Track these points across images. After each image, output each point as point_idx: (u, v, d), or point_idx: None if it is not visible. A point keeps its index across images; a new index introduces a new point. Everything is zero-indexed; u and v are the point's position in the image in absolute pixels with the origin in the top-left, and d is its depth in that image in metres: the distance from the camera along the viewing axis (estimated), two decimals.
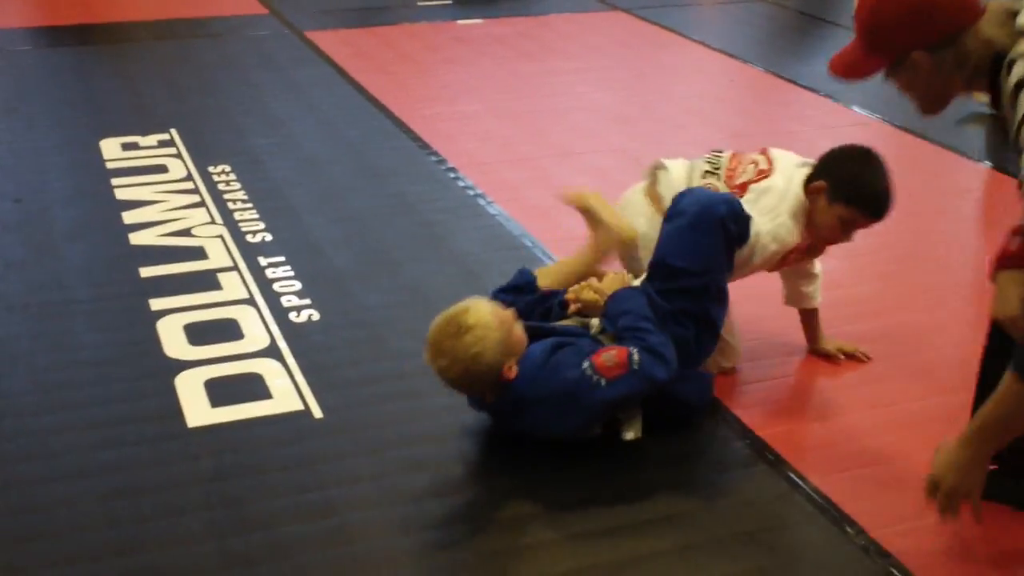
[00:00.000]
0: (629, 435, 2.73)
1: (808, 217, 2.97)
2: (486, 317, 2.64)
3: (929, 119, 2.61)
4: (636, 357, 2.62)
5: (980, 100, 2.38)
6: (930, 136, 5.13)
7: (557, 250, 3.86)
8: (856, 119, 5.45)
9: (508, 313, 2.71)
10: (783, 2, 7.87)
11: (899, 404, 3.04)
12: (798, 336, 3.29)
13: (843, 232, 2.98)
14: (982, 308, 3.52)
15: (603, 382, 2.60)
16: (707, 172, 3.09)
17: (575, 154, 4.91)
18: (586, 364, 2.62)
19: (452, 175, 4.60)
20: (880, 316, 3.52)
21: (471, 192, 4.41)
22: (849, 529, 2.52)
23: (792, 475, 2.70)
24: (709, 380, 2.93)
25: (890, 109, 5.53)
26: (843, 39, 7.15)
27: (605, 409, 2.67)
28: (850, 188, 2.91)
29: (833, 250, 3.77)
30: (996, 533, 2.52)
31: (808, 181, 2.96)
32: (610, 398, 2.62)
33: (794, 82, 5.99)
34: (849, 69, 2.31)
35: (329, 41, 6.60)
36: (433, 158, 4.79)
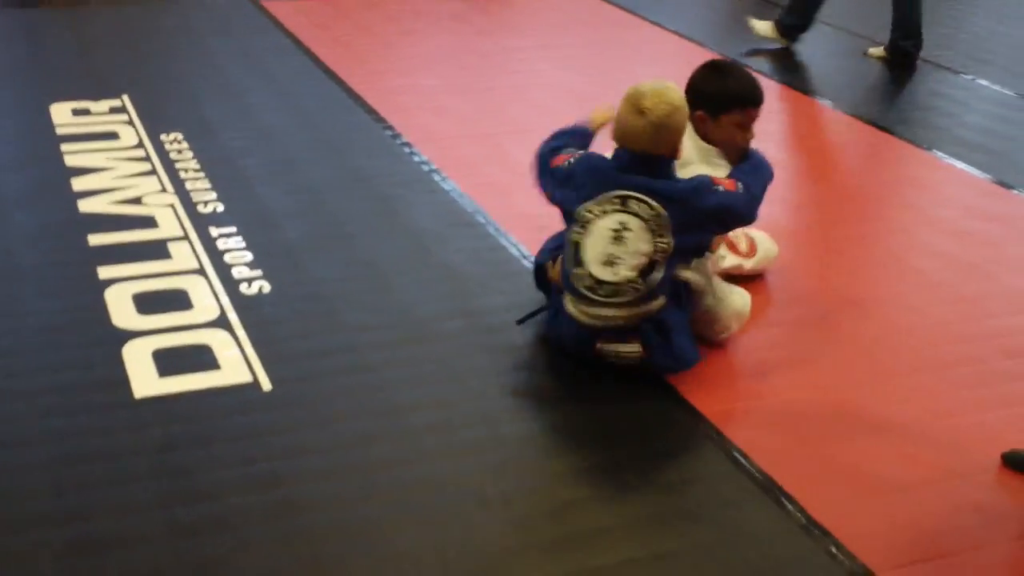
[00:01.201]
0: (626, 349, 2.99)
1: (713, 143, 3.30)
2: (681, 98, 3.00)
3: None
4: (741, 187, 3.03)
5: None
6: (878, 123, 5.18)
7: (511, 227, 3.87)
8: (805, 104, 5.49)
9: None
10: None
11: (841, 391, 3.08)
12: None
13: (742, 134, 3.29)
14: (926, 295, 3.61)
15: (720, 189, 2.98)
16: None
17: (532, 131, 4.85)
18: (707, 178, 3.01)
19: (407, 150, 4.58)
20: (826, 303, 3.56)
21: (426, 167, 4.40)
22: (790, 507, 2.56)
23: (736, 454, 2.74)
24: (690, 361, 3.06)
25: (840, 96, 5.59)
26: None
27: (714, 212, 2.97)
28: (719, 98, 3.28)
29: (779, 237, 3.81)
30: (941, 515, 2.57)
31: (690, 119, 3.18)
32: (720, 203, 2.97)
33: (750, 67, 6.01)
34: None
35: (286, 11, 6.54)
36: (389, 132, 4.77)
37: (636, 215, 2.91)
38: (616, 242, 2.91)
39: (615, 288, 2.92)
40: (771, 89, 5.69)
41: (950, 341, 3.33)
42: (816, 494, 2.61)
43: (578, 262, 2.95)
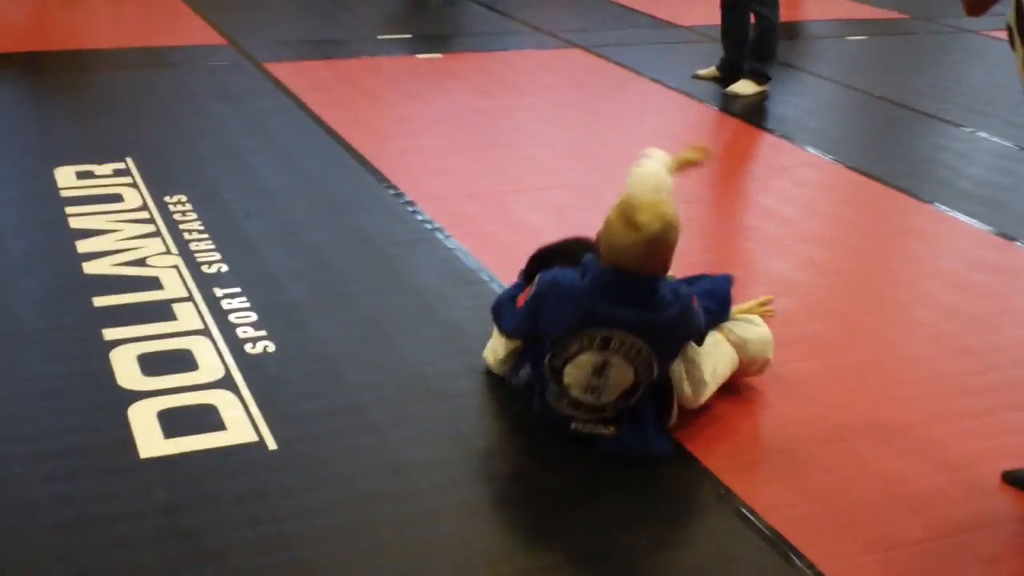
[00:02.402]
0: None
1: None
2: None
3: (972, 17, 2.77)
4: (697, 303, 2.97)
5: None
6: (880, 176, 5.22)
7: None
8: (809, 159, 5.53)
9: None
10: None
11: (849, 441, 3.06)
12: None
13: None
14: (929, 346, 3.61)
15: (697, 309, 2.94)
16: None
17: (533, 190, 4.94)
18: (688, 298, 2.91)
19: (410, 208, 4.60)
20: (831, 354, 3.56)
21: (429, 226, 4.42)
22: (798, 562, 2.54)
23: (743, 509, 2.72)
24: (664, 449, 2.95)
25: (841, 150, 5.63)
26: (794, 79, 7.31)
27: (694, 334, 2.98)
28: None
29: (785, 289, 3.83)
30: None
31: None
32: (698, 326, 2.96)
33: (748, 122, 6.07)
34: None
35: (288, 73, 6.60)
36: (391, 191, 4.80)
37: (619, 353, 2.83)
38: (597, 375, 2.86)
39: (597, 406, 2.90)
40: (770, 142, 5.75)
41: (956, 394, 3.32)
42: (823, 547, 2.58)
43: (559, 386, 2.91)
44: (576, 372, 2.86)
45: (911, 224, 4.82)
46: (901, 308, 3.97)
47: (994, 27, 8.72)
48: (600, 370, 2.84)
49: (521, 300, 2.98)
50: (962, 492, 2.85)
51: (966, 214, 4.79)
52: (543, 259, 3.12)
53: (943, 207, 4.89)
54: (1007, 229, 4.63)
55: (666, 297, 2.83)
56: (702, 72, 6.78)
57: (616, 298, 2.79)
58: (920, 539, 2.65)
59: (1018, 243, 4.50)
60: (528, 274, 3.09)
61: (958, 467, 2.96)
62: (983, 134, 5.97)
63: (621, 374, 2.84)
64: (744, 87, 6.47)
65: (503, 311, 3.13)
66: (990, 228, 4.65)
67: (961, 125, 6.13)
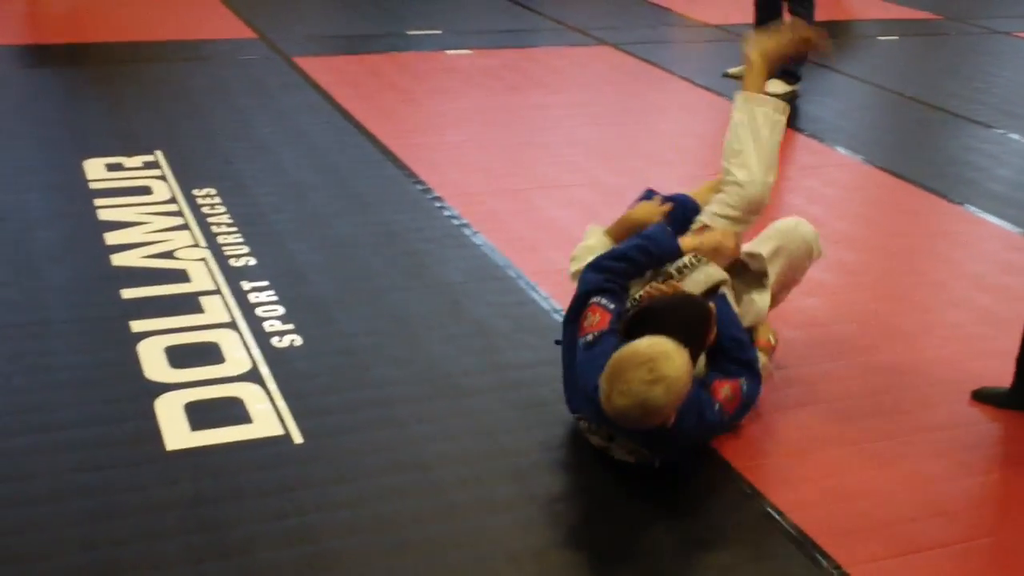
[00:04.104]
0: None
1: None
2: (682, 370, 2.56)
3: None
4: (745, 389, 2.87)
5: None
6: (910, 177, 5.18)
7: (541, 281, 3.87)
8: (839, 160, 5.50)
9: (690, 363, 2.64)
10: None
11: (876, 442, 3.04)
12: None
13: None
14: (959, 348, 3.58)
15: (727, 418, 2.84)
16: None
17: (561, 187, 4.92)
18: (717, 407, 2.78)
19: (437, 205, 4.60)
20: (859, 354, 3.54)
21: (456, 222, 4.42)
22: (824, 563, 2.52)
23: (770, 509, 2.70)
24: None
25: (872, 150, 5.59)
26: (825, 79, 7.27)
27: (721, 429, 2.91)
28: None
29: (813, 289, 3.80)
30: None
31: None
32: (729, 423, 2.90)
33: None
34: None
35: (317, 67, 6.62)
36: (419, 187, 4.80)
37: (623, 447, 2.82)
38: (608, 441, 2.87)
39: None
40: (801, 142, 5.72)
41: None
42: (849, 549, 2.57)
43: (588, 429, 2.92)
44: (589, 435, 2.91)
45: (941, 225, 4.78)
46: (930, 310, 3.93)
47: None
48: (609, 440, 2.87)
49: (589, 327, 2.84)
50: (990, 495, 2.82)
51: (997, 215, 4.74)
52: (643, 319, 2.81)
53: (973, 208, 4.85)
54: None
55: (684, 423, 2.67)
56: (733, 70, 6.72)
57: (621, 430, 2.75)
58: (947, 541, 2.62)
59: None
60: (629, 331, 2.78)
61: (986, 470, 2.93)
62: (1015, 136, 5.91)
63: (625, 452, 2.85)
64: (774, 86, 6.43)
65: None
66: (1021, 230, 4.60)
67: (992, 127, 6.07)
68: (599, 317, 2.82)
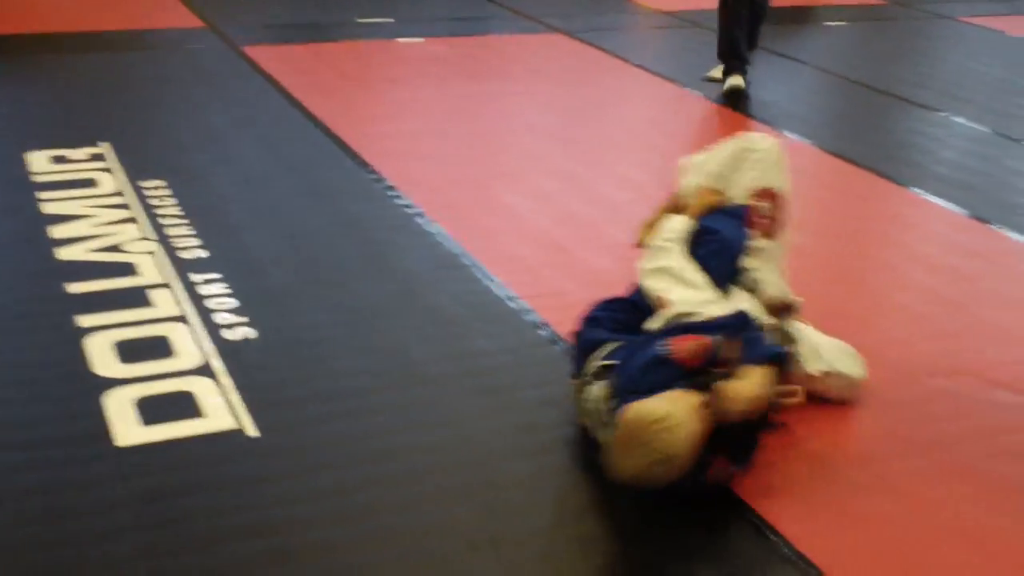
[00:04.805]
0: None
1: None
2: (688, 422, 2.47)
3: None
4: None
5: None
6: (859, 161, 5.20)
7: (498, 270, 3.83)
8: (790, 144, 5.50)
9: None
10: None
11: (824, 420, 3.03)
12: None
13: None
14: (909, 329, 3.59)
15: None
16: None
17: (518, 175, 4.89)
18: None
19: (393, 194, 4.55)
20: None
21: (412, 211, 4.37)
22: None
23: (758, 522, 2.69)
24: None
25: (821, 135, 5.61)
26: (775, 65, 7.28)
27: None
28: None
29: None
30: None
31: None
32: None
33: (732, 108, 6.04)
34: None
35: (268, 57, 6.52)
36: (374, 177, 4.74)
37: None
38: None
39: None
40: (751, 128, 5.71)
41: (937, 374, 3.30)
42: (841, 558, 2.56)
43: None
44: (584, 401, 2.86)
45: (889, 208, 4.80)
46: (879, 292, 3.95)
47: (970, 14, 8.74)
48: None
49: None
50: (936, 470, 2.82)
51: (943, 198, 4.78)
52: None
53: (920, 191, 4.88)
54: (982, 213, 4.62)
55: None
56: (712, 73, 6.51)
57: None
58: (893, 515, 2.62)
59: (993, 226, 4.49)
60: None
61: (932, 447, 2.94)
62: (960, 119, 5.96)
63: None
64: (719, 72, 6.42)
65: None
66: (966, 212, 4.64)
67: (938, 110, 6.11)
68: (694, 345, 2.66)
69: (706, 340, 2.64)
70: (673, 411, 2.45)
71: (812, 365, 3.03)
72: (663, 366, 2.62)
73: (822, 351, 3.08)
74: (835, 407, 3.07)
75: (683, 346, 2.65)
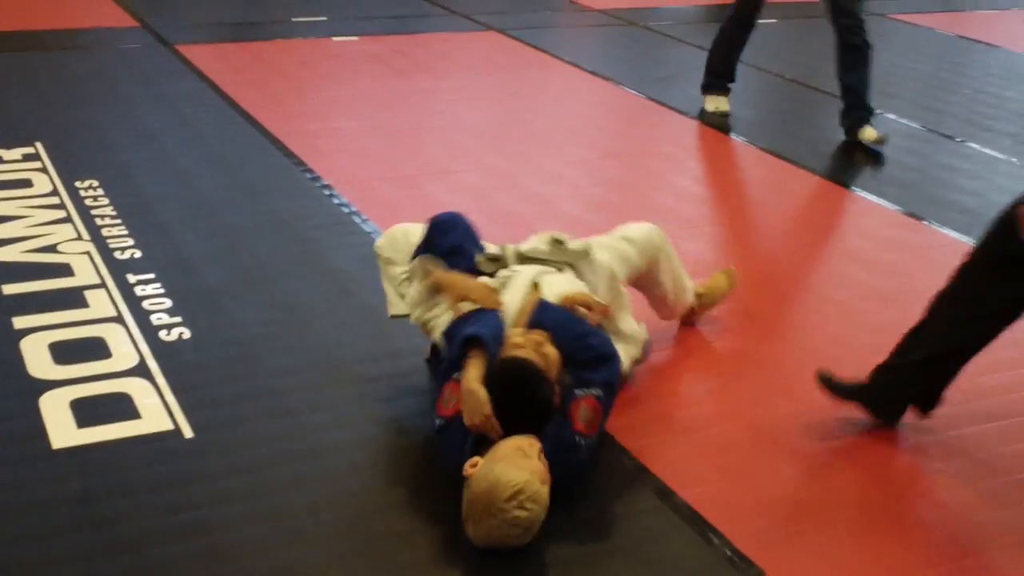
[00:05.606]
0: None
1: None
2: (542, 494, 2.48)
3: None
4: (604, 401, 2.71)
5: None
6: (793, 158, 5.31)
7: None
8: (722, 140, 5.61)
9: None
10: (652, 27, 8.05)
11: (761, 419, 3.13)
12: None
13: None
14: (844, 324, 3.69)
15: (589, 442, 2.68)
16: None
17: (451, 172, 4.94)
18: (580, 441, 2.64)
19: (327, 192, 4.58)
20: (749, 330, 3.63)
21: (346, 209, 4.40)
22: (716, 540, 2.59)
23: (663, 488, 2.77)
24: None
25: (755, 132, 5.71)
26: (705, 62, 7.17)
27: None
28: None
29: (699, 272, 3.87)
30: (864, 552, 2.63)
31: None
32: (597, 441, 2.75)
33: (664, 104, 6.13)
34: None
35: (201, 55, 6.51)
36: (307, 175, 4.76)
37: None
38: None
39: None
40: (687, 126, 5.82)
41: (868, 368, 3.40)
42: (741, 526, 2.65)
43: None
44: None
45: (823, 205, 4.92)
46: (815, 287, 4.05)
47: (901, 11, 8.92)
48: None
49: (445, 410, 2.73)
50: (862, 461, 2.93)
51: (876, 194, 4.90)
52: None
53: (854, 188, 5.00)
54: (915, 209, 4.75)
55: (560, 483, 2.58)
56: (709, 109, 6.00)
57: None
58: (826, 511, 2.72)
59: (925, 222, 4.62)
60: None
61: (865, 439, 3.04)
62: (891, 115, 6.10)
63: None
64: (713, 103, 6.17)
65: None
66: (899, 208, 4.77)
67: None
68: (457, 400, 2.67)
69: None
70: (530, 480, 2.44)
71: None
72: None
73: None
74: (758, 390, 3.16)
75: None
